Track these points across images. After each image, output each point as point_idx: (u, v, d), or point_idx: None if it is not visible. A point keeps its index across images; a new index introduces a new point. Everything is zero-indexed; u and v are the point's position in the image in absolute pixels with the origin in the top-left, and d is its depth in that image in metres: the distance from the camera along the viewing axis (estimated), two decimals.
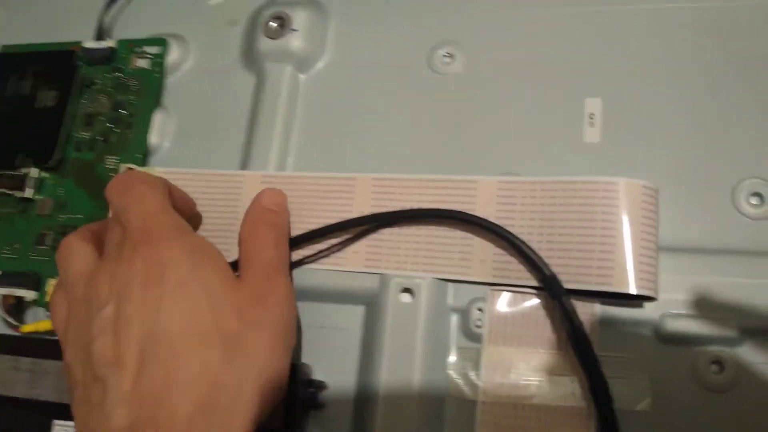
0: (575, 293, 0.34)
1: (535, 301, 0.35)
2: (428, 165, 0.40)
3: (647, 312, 0.34)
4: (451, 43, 0.43)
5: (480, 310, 0.36)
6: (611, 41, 0.40)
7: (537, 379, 0.34)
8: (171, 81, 0.47)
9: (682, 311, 0.34)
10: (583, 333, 0.33)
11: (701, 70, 0.38)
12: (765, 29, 0.38)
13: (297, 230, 0.39)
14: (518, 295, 0.36)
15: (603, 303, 0.35)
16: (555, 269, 0.34)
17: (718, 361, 0.33)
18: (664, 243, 0.35)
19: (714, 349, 0.33)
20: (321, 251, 0.38)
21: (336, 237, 0.38)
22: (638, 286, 0.32)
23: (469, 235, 0.36)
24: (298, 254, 0.39)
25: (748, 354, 0.33)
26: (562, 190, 0.35)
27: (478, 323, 0.36)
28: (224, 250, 0.40)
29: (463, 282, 0.36)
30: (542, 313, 0.35)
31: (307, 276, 0.39)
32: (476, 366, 0.35)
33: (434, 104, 0.42)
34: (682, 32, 0.39)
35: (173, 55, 0.47)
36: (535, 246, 0.35)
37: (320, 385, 0.37)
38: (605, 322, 0.34)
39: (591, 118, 0.39)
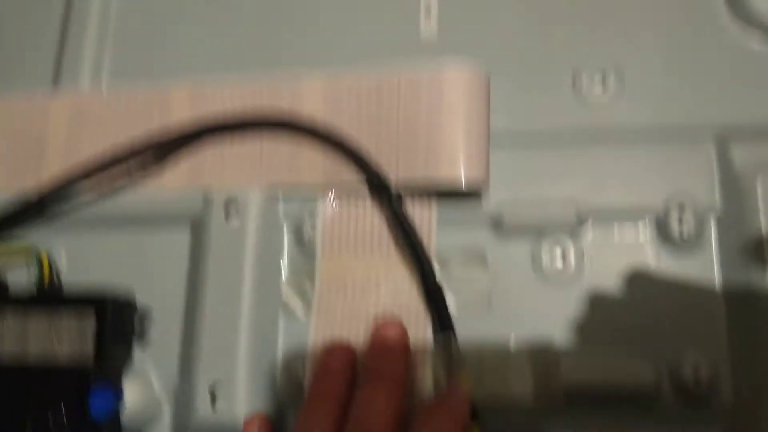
0: (410, 193, 0.32)
1: (368, 205, 0.32)
2: (256, 61, 0.36)
3: (485, 206, 0.32)
4: None
5: (312, 219, 0.33)
6: None
7: (374, 283, 0.32)
8: None
9: (520, 200, 0.31)
10: (413, 231, 0.30)
11: None
12: None
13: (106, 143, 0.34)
14: (351, 200, 0.33)
15: (439, 199, 0.32)
16: (384, 168, 0.31)
17: (559, 251, 0.31)
18: (501, 131, 0.32)
19: (554, 237, 0.31)
20: (138, 171, 0.35)
21: (153, 155, 0.34)
22: (467, 180, 0.30)
23: (296, 139, 0.33)
24: (110, 175, 0.34)
25: (590, 240, 0.31)
26: (388, 84, 0.32)
27: (311, 234, 0.33)
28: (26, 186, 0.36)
29: (294, 191, 0.33)
30: (376, 214, 0.32)
31: (126, 200, 0.35)
32: (311, 278, 0.33)
33: None
34: None
35: None
36: (363, 145, 0.32)
37: (145, 317, 0.34)
38: (443, 219, 0.32)
39: (428, 11, 0.36)
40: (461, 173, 0.30)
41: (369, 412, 0.27)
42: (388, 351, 0.30)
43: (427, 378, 0.30)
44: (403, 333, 0.30)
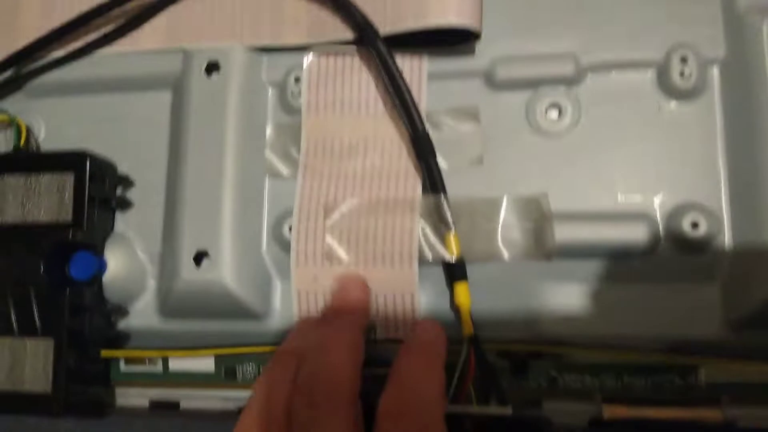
0: (399, 47, 0.30)
1: (355, 61, 0.31)
2: None
3: (478, 60, 0.30)
4: None
5: (297, 79, 0.32)
6: None
7: (362, 144, 0.31)
8: None
9: (515, 55, 0.30)
10: (404, 84, 0.29)
11: None
12: None
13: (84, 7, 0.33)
14: (338, 57, 0.31)
15: (431, 55, 0.31)
16: (371, 17, 0.29)
17: (556, 105, 0.30)
18: None
19: (551, 91, 0.30)
20: (113, 31, 0.33)
21: (128, 13, 0.33)
22: (458, 16, 0.28)
23: None
24: (86, 38, 0.33)
25: (588, 92, 0.29)
26: None
27: (296, 94, 0.31)
28: None
29: (278, 50, 0.32)
30: (364, 72, 0.31)
31: (102, 63, 0.33)
32: (296, 141, 0.31)
33: None
34: None
35: None
36: None
37: (126, 183, 0.33)
38: (434, 76, 0.30)
39: None
40: (454, 14, 0.28)
41: (327, 348, 0.26)
42: (347, 293, 0.29)
43: (416, 241, 0.29)
44: (365, 287, 0.29)
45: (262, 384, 0.27)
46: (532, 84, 0.30)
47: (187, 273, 0.30)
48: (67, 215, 0.31)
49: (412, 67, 0.30)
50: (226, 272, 0.30)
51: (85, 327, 0.31)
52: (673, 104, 0.29)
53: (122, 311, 0.33)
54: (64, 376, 0.31)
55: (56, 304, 0.31)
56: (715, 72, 0.29)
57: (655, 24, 0.29)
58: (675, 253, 0.28)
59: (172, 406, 0.33)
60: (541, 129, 0.29)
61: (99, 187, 0.31)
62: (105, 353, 0.32)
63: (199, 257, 0.30)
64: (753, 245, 0.27)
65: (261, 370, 0.32)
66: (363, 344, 0.27)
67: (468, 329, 0.29)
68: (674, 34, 0.29)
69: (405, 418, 0.24)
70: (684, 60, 0.28)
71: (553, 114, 0.29)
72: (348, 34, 0.30)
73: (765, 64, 0.27)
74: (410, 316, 0.30)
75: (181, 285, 0.31)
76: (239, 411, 0.28)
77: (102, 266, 0.32)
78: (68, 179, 0.31)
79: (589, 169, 0.29)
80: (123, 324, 0.33)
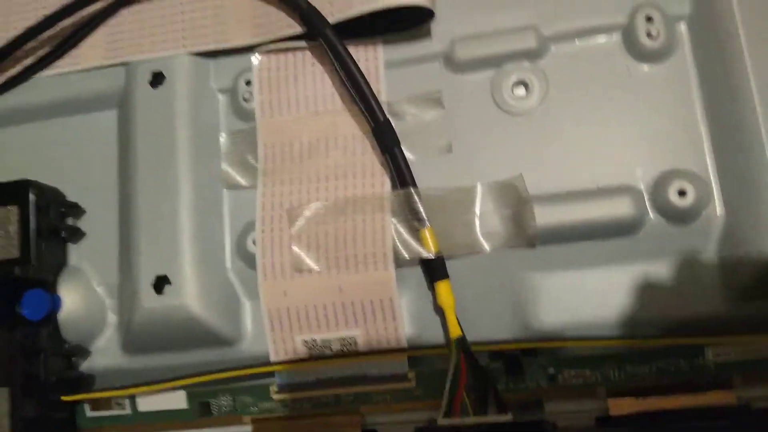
0: (351, 38, 0.28)
1: (306, 56, 0.29)
2: None
3: (435, 42, 0.28)
4: None
5: (248, 82, 0.30)
6: None
7: (322, 143, 0.29)
8: None
9: (473, 33, 0.28)
10: (356, 67, 0.27)
11: None
12: None
13: (14, 30, 0.30)
14: (289, 54, 0.29)
15: (386, 43, 0.29)
16: (318, 6, 0.28)
17: (522, 82, 0.28)
18: None
19: (515, 67, 0.28)
20: (50, 53, 0.31)
21: (64, 32, 0.31)
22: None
23: None
24: (23, 62, 0.31)
25: (553, 64, 0.28)
26: None
27: (248, 96, 0.30)
28: None
29: (225, 54, 0.30)
30: (316, 66, 0.29)
31: (42, 87, 0.31)
32: (252, 147, 0.29)
33: None
34: None
35: None
36: None
37: (77, 211, 0.31)
38: (392, 64, 0.29)
39: None
40: None
41: None
42: None
43: (390, 240, 0.27)
44: None
45: None
46: (495, 62, 0.28)
47: (148, 301, 0.28)
48: (13, 251, 0.28)
49: (367, 57, 0.29)
50: (189, 296, 0.28)
51: (43, 371, 0.29)
52: (643, 67, 0.27)
53: (82, 351, 0.30)
54: (22, 427, 0.28)
55: (8, 348, 0.28)
56: (683, 29, 0.27)
57: None
58: (664, 226, 0.26)
59: None
60: (510, 108, 0.28)
61: (46, 218, 0.29)
62: (66, 399, 0.29)
63: (159, 283, 0.28)
64: (746, 208, 0.25)
65: (236, 401, 0.30)
66: None
67: (455, 331, 0.27)
68: None
69: None
70: (650, 19, 0.26)
71: (520, 91, 0.28)
72: (296, 28, 0.28)
73: (734, 14, 0.25)
74: (391, 323, 0.28)
75: (142, 315, 0.28)
76: None
77: (56, 303, 0.30)
78: (12, 212, 0.29)
79: (563, 145, 0.27)
80: (85, 365, 0.30)
